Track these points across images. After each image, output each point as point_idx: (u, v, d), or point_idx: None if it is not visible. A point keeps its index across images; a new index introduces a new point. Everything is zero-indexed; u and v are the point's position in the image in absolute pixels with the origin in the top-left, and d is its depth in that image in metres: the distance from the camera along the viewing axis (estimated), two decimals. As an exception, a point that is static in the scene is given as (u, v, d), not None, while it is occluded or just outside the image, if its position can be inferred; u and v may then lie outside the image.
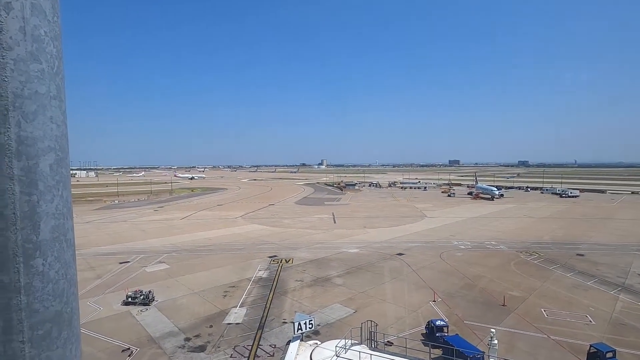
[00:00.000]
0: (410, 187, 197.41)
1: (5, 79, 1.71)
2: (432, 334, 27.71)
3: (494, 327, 27.64)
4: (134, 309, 34.81)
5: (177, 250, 58.60)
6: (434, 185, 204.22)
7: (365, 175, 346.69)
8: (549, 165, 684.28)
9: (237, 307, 35.00)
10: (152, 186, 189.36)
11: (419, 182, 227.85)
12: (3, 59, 1.70)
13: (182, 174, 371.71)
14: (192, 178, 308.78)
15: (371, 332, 19.84)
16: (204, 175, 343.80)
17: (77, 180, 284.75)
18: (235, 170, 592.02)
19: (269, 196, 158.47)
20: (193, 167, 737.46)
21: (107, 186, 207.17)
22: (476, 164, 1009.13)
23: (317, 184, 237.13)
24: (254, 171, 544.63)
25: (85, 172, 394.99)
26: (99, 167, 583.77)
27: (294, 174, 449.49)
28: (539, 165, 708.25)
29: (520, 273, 45.50)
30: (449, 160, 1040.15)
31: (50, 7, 1.88)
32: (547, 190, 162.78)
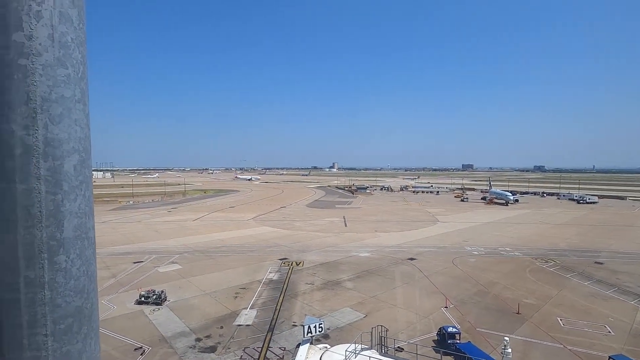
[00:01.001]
0: (423, 192, 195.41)
1: (35, 84, 1.81)
2: (444, 340, 27.27)
3: (507, 335, 27.04)
4: (147, 309, 35.34)
5: (190, 251, 59.33)
6: (447, 190, 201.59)
7: (377, 178, 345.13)
8: (566, 171, 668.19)
9: (248, 309, 35.17)
10: (165, 187, 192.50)
11: (431, 186, 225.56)
12: (33, 64, 1.81)
13: (241, 175, 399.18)
14: (250, 179, 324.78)
15: (381, 337, 19.65)
16: (259, 177, 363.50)
17: (94, 181, 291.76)
18: (242, 172, 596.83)
19: (280, 199, 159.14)
20: (205, 169, 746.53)
21: (122, 187, 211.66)
22: (490, 168, 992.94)
23: (328, 187, 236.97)
24: (263, 173, 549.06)
25: (102, 173, 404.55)
26: (115, 169, 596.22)
27: (306, 176, 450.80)
28: (555, 171, 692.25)
29: (536, 280, 44.45)
30: (463, 165, 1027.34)
31: (76, 14, 1.99)
32: (564, 196, 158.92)
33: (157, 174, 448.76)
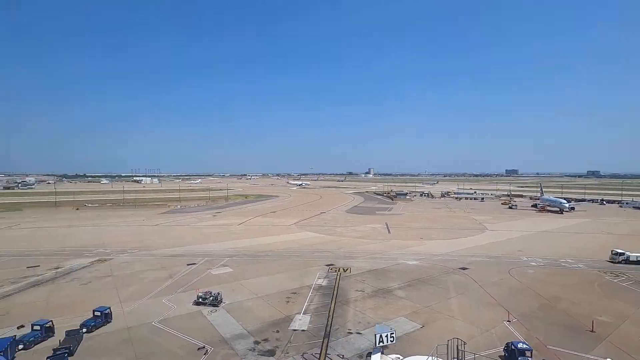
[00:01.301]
0: (466, 198, 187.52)
1: None
2: (513, 357, 25.56)
3: (584, 354, 24.84)
4: (205, 309, 36.58)
5: (238, 255, 60.93)
6: (492, 196, 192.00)
7: (416, 184, 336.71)
8: (625, 176, 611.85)
9: (301, 314, 35.29)
10: (210, 193, 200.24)
11: (475, 192, 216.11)
12: None
13: (293, 180, 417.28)
14: (300, 185, 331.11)
15: (459, 350, 18.76)
16: (309, 183, 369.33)
17: (144, 186, 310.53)
18: (279, 178, 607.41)
19: (319, 204, 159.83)
20: (244, 175, 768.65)
21: (169, 192, 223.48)
22: (537, 174, 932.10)
23: (366, 193, 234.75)
24: (298, 179, 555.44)
25: (149, 178, 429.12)
26: (161, 174, 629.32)
27: (341, 182, 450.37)
28: (612, 176, 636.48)
29: (607, 296, 40.73)
30: (506, 170, 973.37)
31: None
32: (627, 204, 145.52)
33: (199, 180, 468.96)
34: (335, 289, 43.00)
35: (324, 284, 45.13)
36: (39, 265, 54.38)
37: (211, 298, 38.01)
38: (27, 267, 53.45)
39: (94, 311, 33.29)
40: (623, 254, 55.61)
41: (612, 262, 55.71)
